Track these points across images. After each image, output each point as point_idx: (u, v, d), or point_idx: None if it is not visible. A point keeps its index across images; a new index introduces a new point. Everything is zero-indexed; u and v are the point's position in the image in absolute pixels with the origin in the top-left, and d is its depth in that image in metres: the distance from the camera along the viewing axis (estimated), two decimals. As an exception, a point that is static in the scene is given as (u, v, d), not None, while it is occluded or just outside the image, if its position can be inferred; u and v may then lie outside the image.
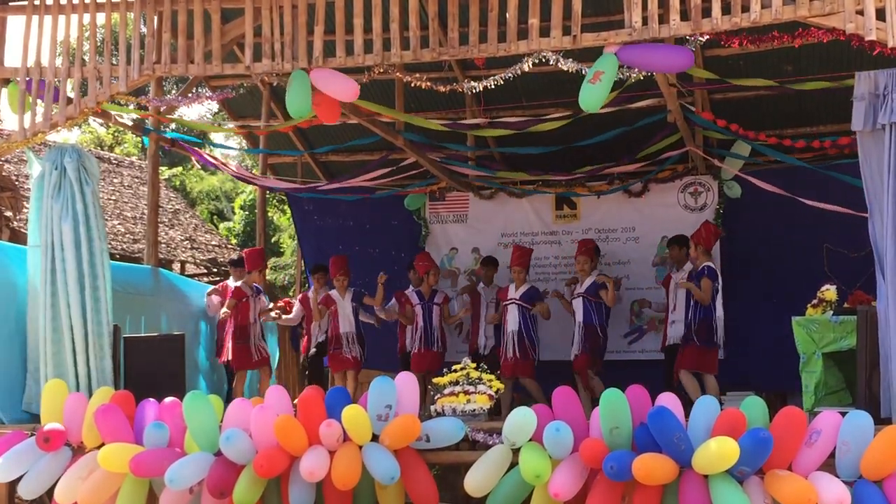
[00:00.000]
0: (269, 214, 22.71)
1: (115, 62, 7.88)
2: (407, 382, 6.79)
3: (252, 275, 10.14)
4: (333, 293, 10.44)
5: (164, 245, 16.65)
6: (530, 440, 6.35)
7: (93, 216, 7.92)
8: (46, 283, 7.81)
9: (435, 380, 7.65)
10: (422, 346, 10.41)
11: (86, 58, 7.99)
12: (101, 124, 25.91)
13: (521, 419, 6.38)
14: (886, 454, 5.68)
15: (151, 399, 7.24)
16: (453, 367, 7.62)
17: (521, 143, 10.54)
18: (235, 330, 9.91)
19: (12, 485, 7.26)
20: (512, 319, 9.87)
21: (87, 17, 7.98)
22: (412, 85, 7.88)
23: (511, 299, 9.95)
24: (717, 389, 8.51)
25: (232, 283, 10.46)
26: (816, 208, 9.53)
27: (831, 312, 7.16)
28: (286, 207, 20.61)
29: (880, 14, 6.35)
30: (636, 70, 7.04)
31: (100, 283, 7.89)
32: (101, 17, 7.92)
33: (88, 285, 7.82)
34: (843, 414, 5.93)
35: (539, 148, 10.17)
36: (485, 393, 7.28)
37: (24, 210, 11.71)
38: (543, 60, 7.12)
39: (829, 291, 7.33)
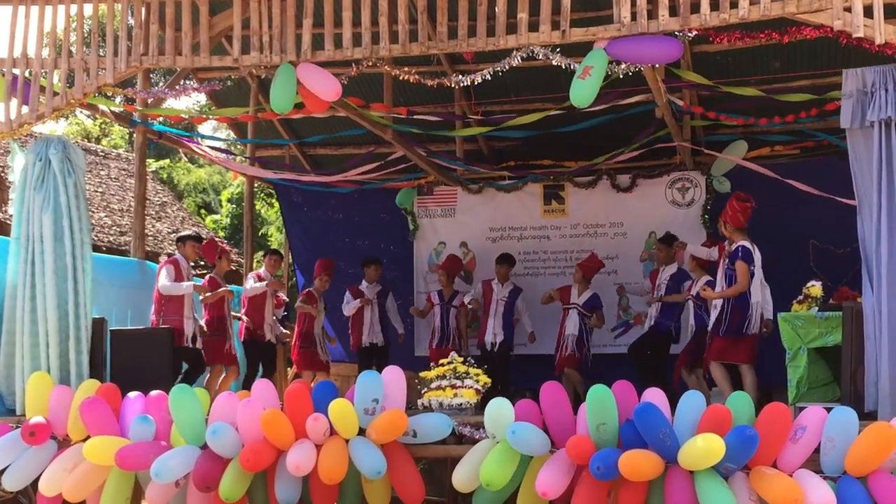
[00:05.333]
0: (257, 207, 22.65)
1: (102, 54, 7.85)
2: (394, 377, 6.79)
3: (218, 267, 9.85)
4: (314, 291, 10.57)
5: (150, 238, 16.61)
6: (507, 441, 6.33)
7: (75, 208, 7.84)
8: (26, 275, 7.75)
9: (422, 373, 7.66)
10: (439, 344, 10.67)
11: (73, 49, 7.91)
12: (88, 116, 25.82)
13: (495, 410, 6.41)
14: (871, 450, 5.70)
15: (137, 392, 7.22)
16: (440, 362, 7.64)
17: (509, 129, 10.51)
18: (211, 323, 9.56)
19: (-4, 476, 7.23)
20: (571, 324, 10.18)
21: (73, 8, 7.94)
22: (401, 79, 7.87)
23: (573, 304, 10.22)
24: (754, 383, 7.87)
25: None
26: (802, 205, 9.57)
27: (817, 308, 7.18)
28: (274, 200, 20.54)
29: (868, 11, 6.37)
30: (623, 66, 7.05)
31: (80, 276, 7.80)
32: (88, 8, 7.88)
33: (69, 277, 7.74)
34: (829, 410, 5.96)
35: (526, 132, 10.15)
36: (471, 387, 7.28)
37: (11, 201, 11.65)
38: (532, 55, 7.13)
39: (815, 287, 7.35)
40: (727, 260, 8.08)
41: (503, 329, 10.51)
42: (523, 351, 10.92)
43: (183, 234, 9.77)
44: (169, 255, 9.62)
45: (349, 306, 10.80)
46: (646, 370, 9.38)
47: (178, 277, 8.99)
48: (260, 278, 10.25)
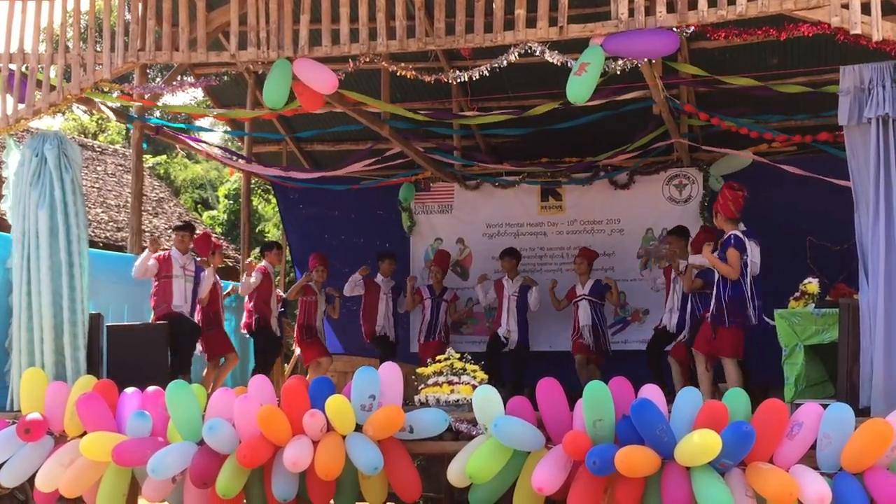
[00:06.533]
0: (254, 203, 22.62)
1: (99, 49, 7.83)
2: (391, 373, 6.79)
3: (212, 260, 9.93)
4: (313, 284, 10.57)
5: (147, 234, 16.56)
6: (495, 436, 6.33)
7: (71, 203, 7.82)
8: (22, 271, 7.74)
9: (419, 370, 7.65)
10: (427, 338, 10.81)
11: (69, 44, 7.90)
12: (85, 112, 25.77)
13: (481, 399, 6.43)
14: (866, 447, 5.71)
15: (134, 388, 7.21)
16: (437, 358, 7.63)
17: (506, 125, 10.52)
18: (207, 317, 9.65)
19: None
20: (584, 315, 10.32)
21: (70, 3, 7.92)
22: (398, 74, 7.86)
23: (581, 296, 10.37)
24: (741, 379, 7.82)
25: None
26: (800, 202, 9.56)
27: (813, 305, 7.18)
28: (271, 197, 20.55)
29: (865, 8, 6.37)
30: (620, 62, 7.05)
31: (76, 272, 7.78)
32: (85, 4, 7.87)
33: (65, 273, 7.72)
34: (825, 406, 5.96)
35: (523, 129, 10.15)
36: (468, 384, 7.28)
37: (4, 197, 11.62)
38: (530, 51, 7.12)
39: (812, 284, 7.34)
40: (719, 249, 8.01)
41: (517, 325, 10.52)
42: (536, 348, 10.90)
43: (175, 225, 9.90)
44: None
45: (350, 286, 10.89)
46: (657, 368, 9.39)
47: (166, 269, 9.11)
48: (263, 272, 10.30)
